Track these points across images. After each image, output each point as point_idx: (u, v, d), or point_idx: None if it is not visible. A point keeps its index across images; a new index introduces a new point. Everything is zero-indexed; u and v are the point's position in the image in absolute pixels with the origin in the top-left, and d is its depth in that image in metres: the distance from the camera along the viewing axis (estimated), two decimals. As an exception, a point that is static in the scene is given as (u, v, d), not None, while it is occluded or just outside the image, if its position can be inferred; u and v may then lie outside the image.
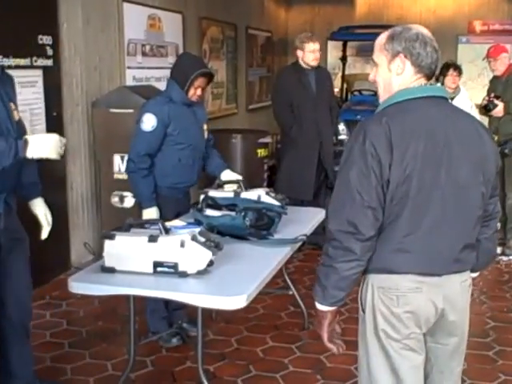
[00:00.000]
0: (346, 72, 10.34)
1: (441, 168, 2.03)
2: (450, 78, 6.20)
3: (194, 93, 3.79)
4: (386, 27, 7.62)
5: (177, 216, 3.66)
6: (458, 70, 6.32)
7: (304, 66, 5.72)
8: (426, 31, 2.14)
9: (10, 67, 4.26)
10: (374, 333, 2.18)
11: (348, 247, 2.02)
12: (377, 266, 2.10)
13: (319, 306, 2.17)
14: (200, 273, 2.77)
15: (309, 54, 5.65)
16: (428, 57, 2.10)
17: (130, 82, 5.90)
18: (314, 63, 5.71)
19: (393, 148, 1.99)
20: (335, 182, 2.11)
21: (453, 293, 2.19)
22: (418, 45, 2.09)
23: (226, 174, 4.10)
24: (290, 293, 4.51)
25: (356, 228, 2.01)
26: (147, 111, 3.73)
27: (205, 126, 4.06)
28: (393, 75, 2.14)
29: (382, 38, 2.16)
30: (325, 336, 2.22)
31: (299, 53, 5.68)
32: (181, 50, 6.95)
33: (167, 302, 3.85)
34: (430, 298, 2.15)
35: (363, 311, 2.20)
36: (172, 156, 3.80)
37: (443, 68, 6.35)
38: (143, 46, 6.20)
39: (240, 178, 4.02)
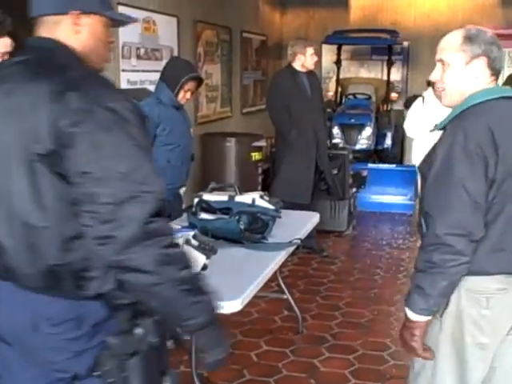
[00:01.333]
0: (341, 76, 10.36)
1: None
2: None
3: (184, 96, 3.88)
4: (380, 31, 7.71)
5: (168, 219, 3.66)
6: None
7: (298, 69, 5.78)
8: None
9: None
10: (451, 338, 2.14)
11: (460, 250, 1.97)
12: (471, 269, 2.04)
13: (417, 317, 2.09)
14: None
15: (310, 58, 5.78)
16: (501, 60, 2.15)
17: (124, 85, 5.90)
18: (313, 67, 5.89)
19: (498, 146, 1.99)
20: (427, 184, 2.08)
21: None
22: (495, 48, 2.12)
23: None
24: (285, 297, 4.50)
25: (467, 229, 1.97)
26: None
27: (191, 130, 4.15)
28: (469, 77, 2.13)
29: (457, 38, 2.13)
30: (419, 348, 2.15)
31: (301, 57, 5.75)
32: (176, 54, 6.94)
33: None
34: None
35: (439, 316, 2.15)
36: (161, 157, 3.81)
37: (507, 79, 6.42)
38: (138, 49, 6.19)
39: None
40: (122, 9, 5.73)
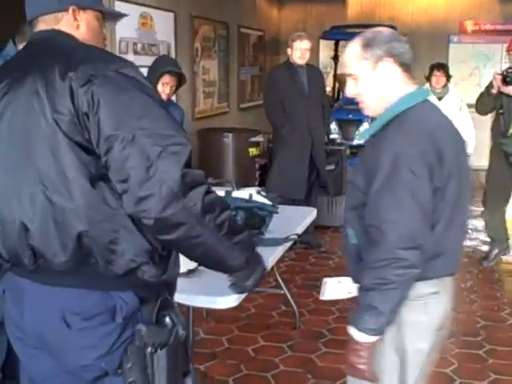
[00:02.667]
0: (338, 71, 10.34)
1: (459, 165, 2.06)
2: (434, 79, 6.38)
3: (162, 90, 3.86)
4: (377, 26, 7.61)
5: None
6: (442, 70, 6.40)
7: (295, 64, 5.76)
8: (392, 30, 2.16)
9: None
10: (393, 348, 2.12)
11: (414, 264, 1.91)
12: None
13: (367, 338, 1.99)
14: (191, 272, 2.76)
15: (296, 52, 5.74)
16: (408, 53, 2.12)
17: (121, 81, 5.89)
18: (300, 61, 5.78)
19: (440, 153, 1.97)
20: (371, 196, 1.99)
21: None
22: (397, 44, 2.09)
23: None
24: (282, 292, 4.51)
25: (418, 241, 1.92)
26: None
27: None
28: (382, 81, 2.09)
29: (355, 48, 2.10)
30: (368, 370, 2.03)
31: (289, 50, 5.78)
32: (173, 49, 6.94)
33: None
34: (448, 300, 2.18)
35: None
36: None
37: (429, 69, 6.47)
38: (135, 44, 6.18)
39: None
40: (119, 4, 5.72)
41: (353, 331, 2.01)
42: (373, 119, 2.20)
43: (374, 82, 2.09)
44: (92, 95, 1.56)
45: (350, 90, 2.14)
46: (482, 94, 5.45)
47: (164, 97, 3.90)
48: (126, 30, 5.90)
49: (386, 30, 2.13)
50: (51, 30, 1.78)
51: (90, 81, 1.57)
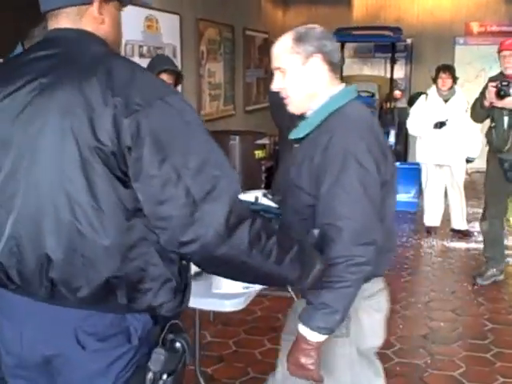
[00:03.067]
0: (344, 73, 10.33)
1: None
2: (440, 81, 6.34)
3: None
4: (383, 28, 7.68)
5: None
6: (448, 71, 6.37)
7: None
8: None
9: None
10: (348, 346, 2.11)
11: (368, 260, 1.90)
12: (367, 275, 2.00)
13: (318, 338, 1.94)
14: (197, 275, 2.75)
15: None
16: (337, 53, 2.11)
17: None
18: None
19: (383, 148, 2.01)
20: (322, 195, 1.96)
21: None
22: (328, 42, 2.07)
23: None
24: (289, 295, 4.49)
25: (373, 237, 1.92)
26: None
27: None
28: (310, 77, 2.07)
29: (287, 41, 2.07)
30: (316, 369, 1.98)
31: None
32: (178, 52, 6.94)
33: None
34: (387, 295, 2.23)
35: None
36: None
37: (435, 71, 6.43)
38: (140, 47, 6.18)
39: None
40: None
41: (304, 330, 1.95)
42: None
43: (302, 78, 2.07)
44: (138, 128, 1.43)
45: (276, 84, 2.11)
46: (475, 103, 5.32)
47: None
48: (131, 32, 5.91)
49: (318, 28, 2.10)
50: (76, 31, 1.62)
51: (136, 111, 1.44)
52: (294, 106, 2.12)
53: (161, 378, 1.59)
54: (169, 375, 1.60)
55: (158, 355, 1.58)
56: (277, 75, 2.10)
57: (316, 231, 1.86)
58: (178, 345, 1.63)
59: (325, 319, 1.92)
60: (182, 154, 1.46)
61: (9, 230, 1.55)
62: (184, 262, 1.62)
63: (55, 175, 1.49)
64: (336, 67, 2.11)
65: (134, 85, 1.48)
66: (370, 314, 2.12)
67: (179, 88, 4.56)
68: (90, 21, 1.64)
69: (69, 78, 1.51)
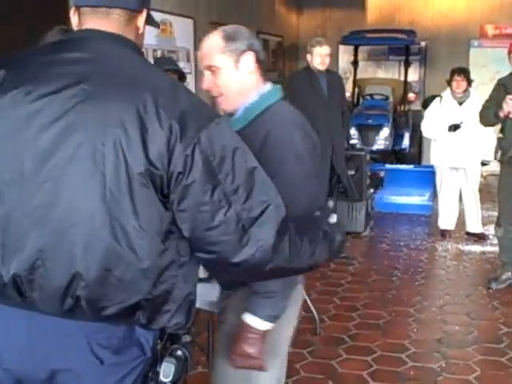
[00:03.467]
0: (358, 76, 10.32)
1: None
2: (455, 83, 6.32)
3: None
4: (396, 31, 7.66)
5: None
6: (463, 74, 6.34)
7: (315, 70, 5.73)
8: None
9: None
10: (284, 339, 2.20)
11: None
12: None
13: (266, 326, 1.99)
14: (212, 278, 2.76)
15: (316, 58, 5.67)
16: (262, 51, 2.17)
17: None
18: (321, 67, 5.72)
19: (315, 141, 2.15)
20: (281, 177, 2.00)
21: None
22: (256, 42, 2.13)
23: None
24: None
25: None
26: None
27: None
28: (244, 75, 2.10)
29: (217, 40, 2.08)
30: (262, 358, 2.01)
31: (308, 56, 5.72)
32: (192, 55, 6.96)
33: None
34: None
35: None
36: None
37: (450, 74, 6.41)
38: (154, 51, 6.21)
39: None
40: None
41: (252, 320, 1.98)
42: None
43: (236, 76, 2.09)
44: (193, 154, 1.40)
45: (207, 83, 2.12)
46: (485, 109, 5.26)
47: None
48: (145, 36, 5.93)
49: (243, 27, 2.15)
50: (119, 36, 1.54)
51: (191, 137, 1.40)
52: (227, 105, 2.13)
53: None
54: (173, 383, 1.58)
55: (170, 365, 1.57)
56: (207, 74, 2.11)
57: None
58: (179, 353, 1.62)
59: (273, 307, 1.98)
60: (231, 179, 1.45)
61: (33, 243, 1.45)
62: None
63: (95, 191, 1.41)
64: (263, 65, 2.17)
65: (188, 107, 1.45)
66: (294, 303, 2.18)
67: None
68: (134, 29, 1.60)
69: (117, 90, 1.44)
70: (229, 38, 2.06)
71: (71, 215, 1.43)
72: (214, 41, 2.08)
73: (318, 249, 1.67)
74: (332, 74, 5.96)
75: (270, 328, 2.00)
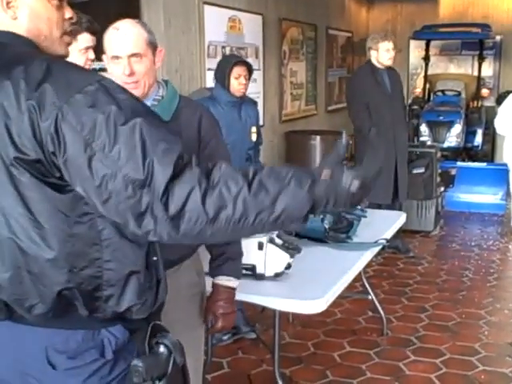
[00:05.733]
0: (429, 72, 10.11)
1: None
2: None
3: (238, 83, 3.86)
4: (470, 26, 7.50)
5: None
6: None
7: (378, 66, 5.64)
8: None
9: (101, 70, 4.36)
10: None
11: None
12: None
13: (237, 283, 2.33)
14: (278, 275, 2.75)
15: (384, 53, 5.56)
16: None
17: (210, 84, 5.95)
18: (389, 62, 5.62)
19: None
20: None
21: None
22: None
23: None
24: (369, 297, 4.43)
25: None
26: None
27: (253, 129, 4.04)
28: (157, 66, 2.24)
29: (141, 31, 2.16)
30: (233, 313, 2.34)
31: (373, 53, 5.60)
32: (261, 52, 6.96)
33: None
34: None
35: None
36: None
37: None
38: (223, 47, 6.24)
39: None
40: (207, 8, 5.80)
41: (233, 282, 2.31)
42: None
43: (154, 66, 2.21)
44: (56, 130, 1.30)
45: (129, 70, 2.15)
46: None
47: (241, 90, 3.88)
48: (214, 33, 5.97)
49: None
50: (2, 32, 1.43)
51: (50, 112, 1.30)
52: (141, 91, 2.18)
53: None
54: (160, 379, 1.51)
55: (136, 367, 1.47)
56: (130, 61, 2.15)
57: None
58: (161, 349, 1.53)
59: (240, 266, 2.35)
60: (111, 146, 1.30)
61: None
62: (154, 257, 1.54)
63: None
64: None
65: (48, 82, 1.32)
66: None
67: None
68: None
69: None
70: (149, 31, 2.20)
71: None
72: (139, 31, 2.18)
73: (284, 195, 1.32)
74: (392, 70, 5.83)
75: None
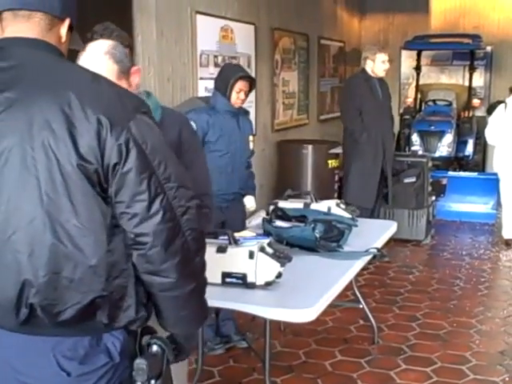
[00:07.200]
0: (420, 82, 10.16)
1: None
2: None
3: (237, 97, 3.86)
4: (461, 36, 7.57)
5: (223, 225, 3.70)
6: None
7: (372, 75, 5.84)
8: None
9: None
10: None
11: None
12: None
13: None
14: (268, 284, 2.76)
15: (380, 64, 5.82)
16: None
17: (202, 93, 5.97)
18: (383, 74, 5.89)
19: None
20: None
21: None
22: None
23: (247, 200, 4.12)
24: (360, 306, 4.44)
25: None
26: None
27: (250, 138, 4.09)
28: (132, 87, 2.30)
29: (111, 66, 2.23)
30: None
31: (370, 62, 5.84)
32: (253, 61, 6.98)
33: (217, 312, 3.87)
34: None
35: None
36: (210, 163, 3.79)
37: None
38: (215, 57, 6.25)
39: (252, 209, 4.16)
40: (199, 18, 5.81)
41: None
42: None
43: (130, 88, 2.27)
44: (126, 142, 1.43)
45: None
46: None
47: (239, 103, 3.90)
48: (206, 43, 5.98)
49: None
50: (38, 41, 1.52)
51: (122, 127, 1.44)
52: None
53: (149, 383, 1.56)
54: (157, 379, 1.57)
55: (141, 365, 1.53)
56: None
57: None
58: (155, 348, 1.59)
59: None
60: (164, 167, 1.50)
61: None
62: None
63: (31, 195, 1.42)
64: None
65: (113, 99, 1.48)
66: None
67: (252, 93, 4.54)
68: (56, 36, 1.57)
69: (40, 93, 1.44)
70: (119, 58, 2.28)
71: (11, 223, 1.43)
72: (105, 44, 2.29)
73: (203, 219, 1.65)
74: (382, 80, 6.03)
75: None
